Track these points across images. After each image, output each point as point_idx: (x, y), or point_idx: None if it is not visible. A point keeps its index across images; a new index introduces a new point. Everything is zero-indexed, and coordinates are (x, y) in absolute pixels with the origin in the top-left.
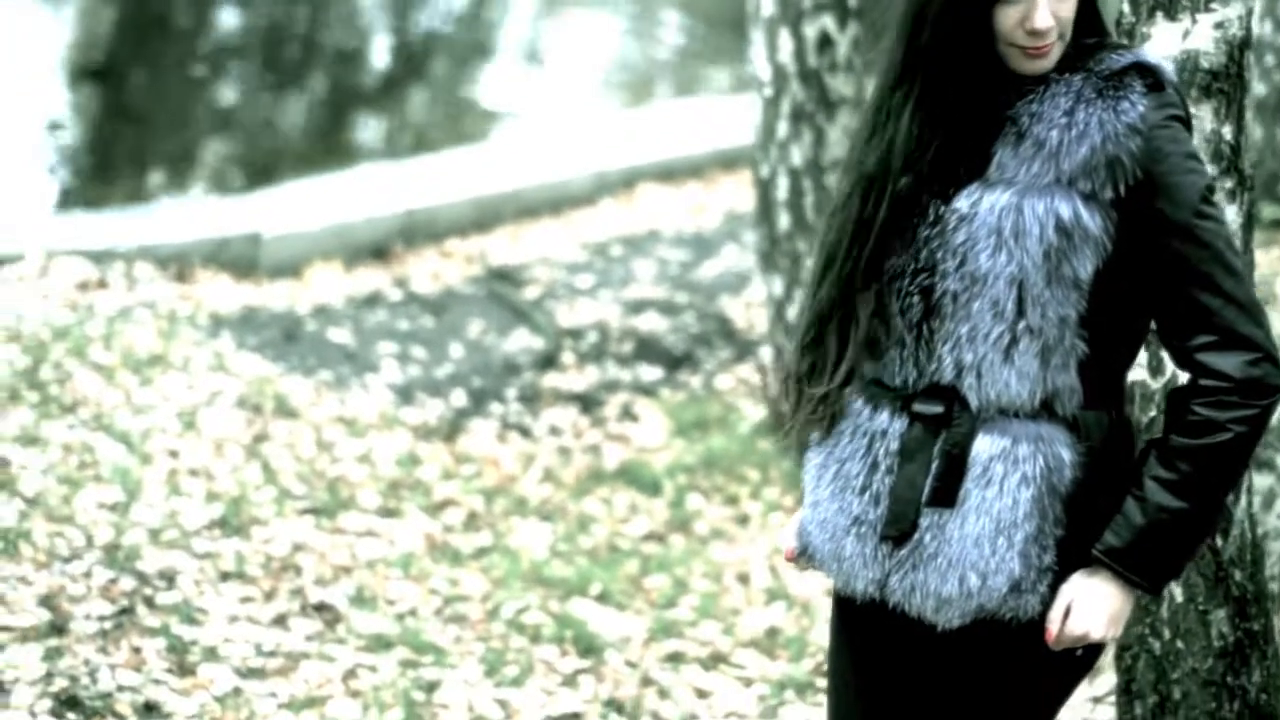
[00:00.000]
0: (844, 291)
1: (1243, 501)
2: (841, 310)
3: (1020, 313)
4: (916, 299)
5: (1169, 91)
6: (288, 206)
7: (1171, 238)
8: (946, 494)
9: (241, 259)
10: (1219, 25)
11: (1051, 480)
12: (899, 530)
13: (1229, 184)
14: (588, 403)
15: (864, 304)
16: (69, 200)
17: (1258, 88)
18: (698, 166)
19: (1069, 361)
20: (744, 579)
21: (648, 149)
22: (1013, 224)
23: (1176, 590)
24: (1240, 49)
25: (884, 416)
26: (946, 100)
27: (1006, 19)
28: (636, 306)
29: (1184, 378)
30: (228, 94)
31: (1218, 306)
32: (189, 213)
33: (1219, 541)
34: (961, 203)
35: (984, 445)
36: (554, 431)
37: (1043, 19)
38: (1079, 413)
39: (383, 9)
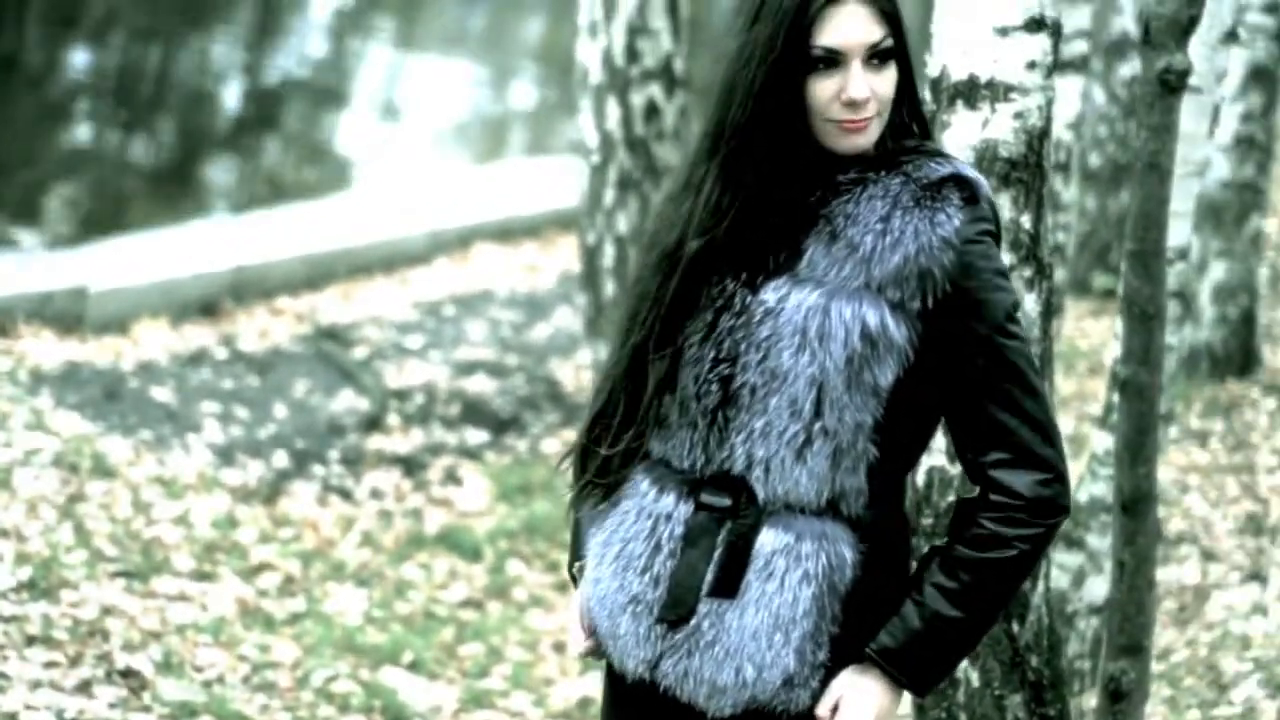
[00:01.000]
0: (635, 361)
1: (1039, 587)
2: (632, 380)
3: (818, 414)
4: (715, 387)
5: (983, 205)
6: (116, 261)
7: (975, 353)
8: (728, 584)
9: (67, 314)
10: (1018, 115)
11: (833, 579)
12: (676, 615)
13: (1028, 272)
14: (411, 465)
15: (654, 375)
16: None
17: (1092, 159)
18: (535, 226)
19: (859, 465)
20: (559, 647)
21: (485, 208)
22: (818, 325)
23: (973, 674)
24: (1039, 139)
25: (669, 500)
26: (753, 175)
27: (822, 91)
28: (466, 368)
29: None
30: (67, 139)
31: (1014, 425)
32: (14, 265)
33: (1015, 627)
34: (769, 296)
35: (768, 539)
36: (376, 495)
37: (858, 89)
38: (863, 513)
39: (238, 53)
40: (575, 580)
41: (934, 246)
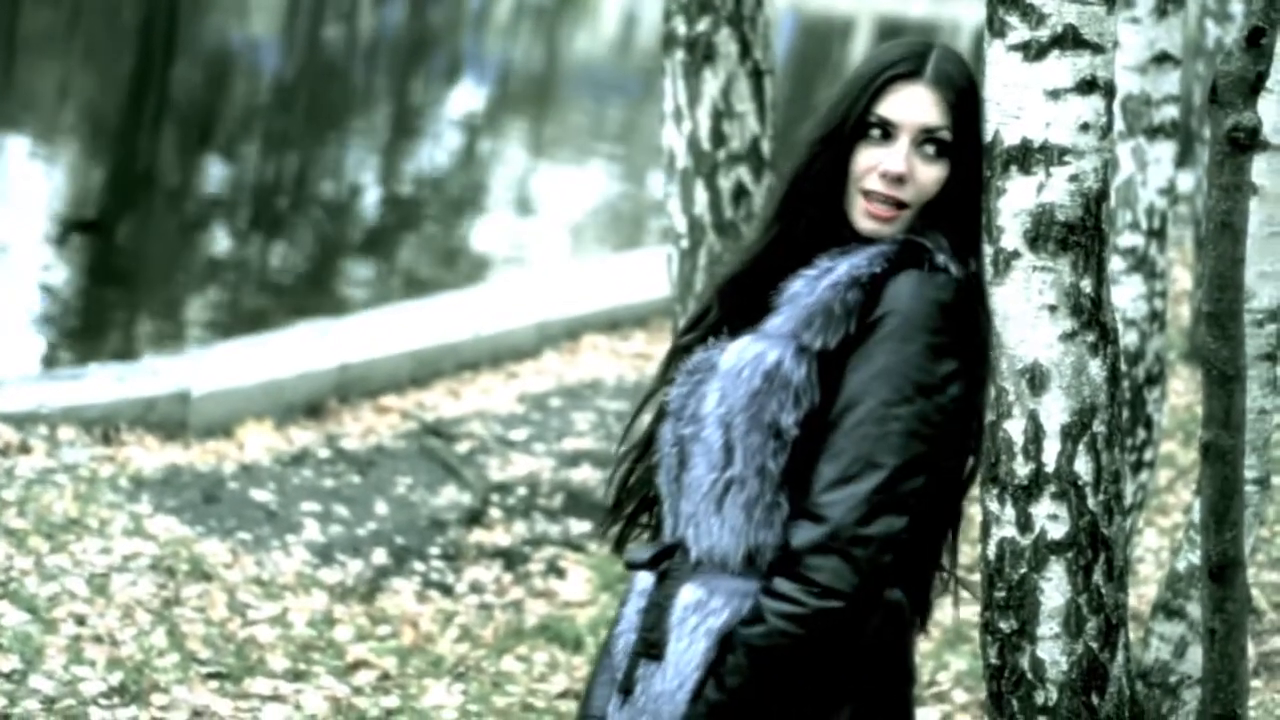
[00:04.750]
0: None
1: (1119, 657)
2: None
3: (729, 460)
4: (673, 448)
5: (933, 273)
6: (219, 364)
7: (842, 403)
8: (652, 645)
9: (170, 419)
10: (1074, 178)
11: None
12: (626, 685)
13: (1091, 337)
14: (513, 558)
15: (644, 436)
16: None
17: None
18: (643, 316)
19: (773, 518)
20: None
21: (592, 299)
22: (731, 366)
23: None
24: (1097, 201)
25: (647, 573)
26: (788, 226)
27: (865, 159)
28: (571, 459)
29: (1055, 531)
30: (202, 251)
31: (829, 480)
32: (118, 373)
33: (1095, 699)
34: (719, 354)
35: (685, 595)
36: (476, 589)
37: (896, 162)
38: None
39: (372, 157)
40: None
41: (841, 284)
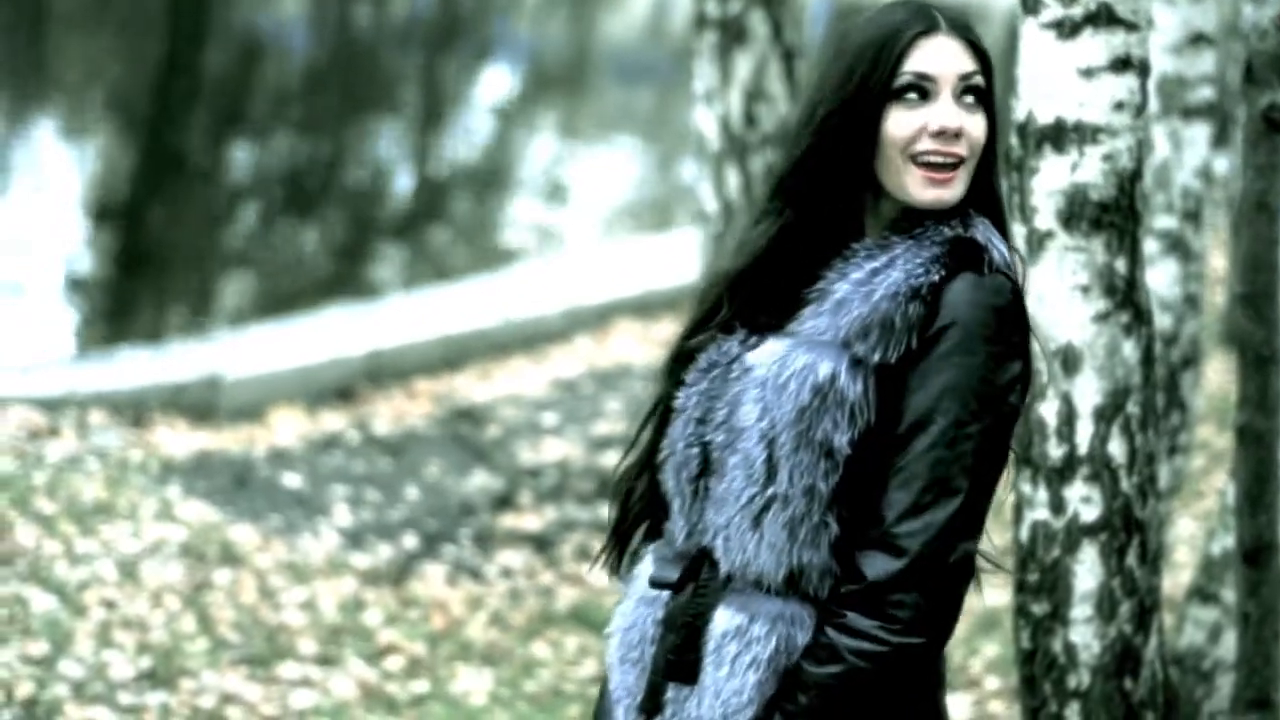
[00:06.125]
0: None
1: (1153, 641)
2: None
3: (770, 476)
4: (696, 451)
5: (991, 279)
6: (252, 348)
7: (908, 424)
8: (684, 669)
9: (200, 403)
10: (1107, 157)
11: (779, 664)
12: (652, 705)
13: (1125, 318)
14: (543, 543)
15: (653, 427)
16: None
17: None
18: (674, 300)
19: (819, 539)
20: None
21: (624, 283)
22: (774, 376)
23: None
24: (1131, 180)
25: None
26: (807, 215)
27: (906, 124)
28: (601, 443)
29: (1088, 513)
30: (232, 234)
31: (902, 509)
32: (148, 357)
33: (1128, 683)
34: (750, 353)
35: (722, 620)
36: (506, 573)
37: (949, 116)
38: (829, 594)
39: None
40: None
41: (901, 295)
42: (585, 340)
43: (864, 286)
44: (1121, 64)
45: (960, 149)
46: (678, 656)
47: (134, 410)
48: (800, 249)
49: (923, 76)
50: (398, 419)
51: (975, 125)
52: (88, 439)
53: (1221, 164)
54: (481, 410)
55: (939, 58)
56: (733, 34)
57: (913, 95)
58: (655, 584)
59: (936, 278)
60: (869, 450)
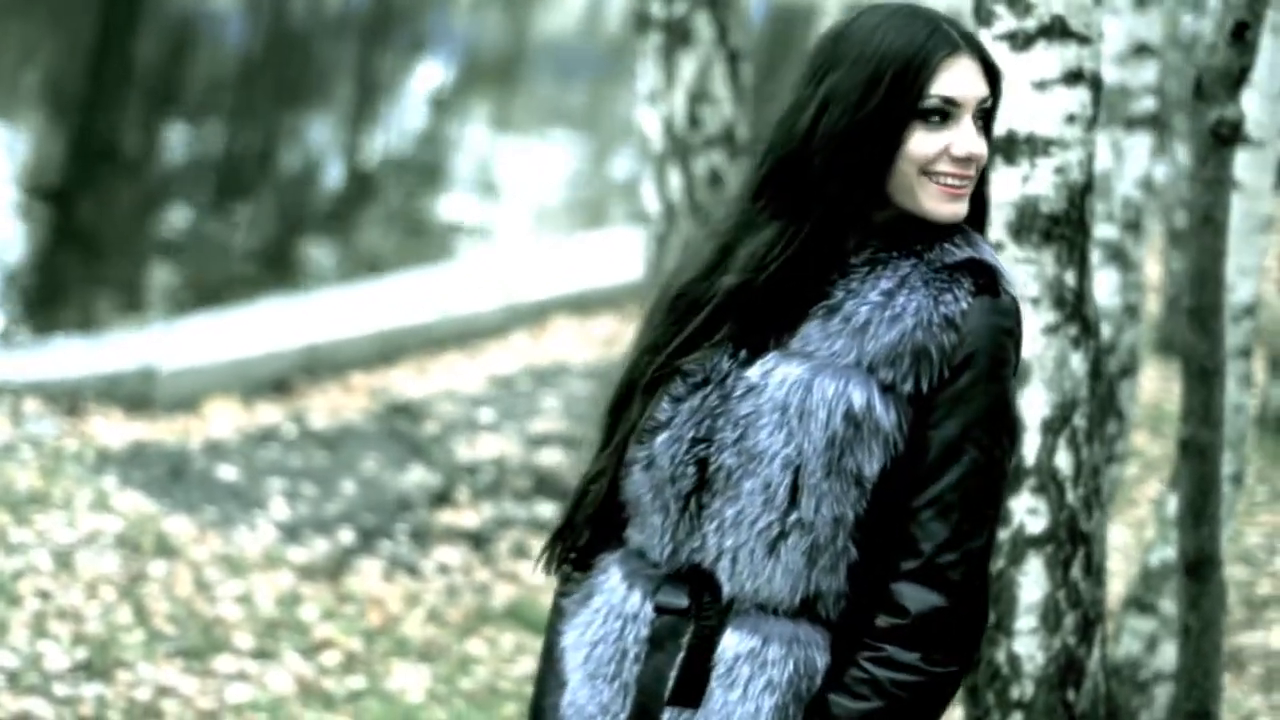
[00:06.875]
0: (626, 396)
1: (1095, 653)
2: (617, 412)
3: (793, 503)
4: (691, 469)
5: (1004, 299)
6: (188, 340)
7: (938, 452)
8: (690, 693)
9: (136, 394)
10: (1059, 170)
11: (800, 688)
12: None
13: (1073, 330)
14: (480, 540)
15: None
16: None
17: (1178, 218)
18: (613, 298)
19: (838, 564)
20: None
21: (561, 280)
22: (799, 402)
23: None
24: (1081, 193)
25: (636, 598)
26: (815, 226)
27: (927, 145)
28: (538, 441)
29: (1034, 525)
30: (163, 222)
31: (939, 540)
32: (83, 346)
33: (1071, 694)
34: (754, 371)
35: (731, 642)
36: (443, 570)
37: (973, 143)
38: (843, 618)
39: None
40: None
41: (934, 324)
42: (522, 337)
43: (885, 310)
44: (1074, 77)
45: (974, 171)
46: (685, 680)
47: (69, 399)
48: (809, 262)
49: (949, 101)
50: (334, 413)
51: (984, 147)
52: (22, 427)
53: (1159, 172)
54: (418, 406)
55: (963, 82)
56: (678, 35)
57: (936, 118)
58: (661, 610)
59: (965, 305)
60: (895, 478)
